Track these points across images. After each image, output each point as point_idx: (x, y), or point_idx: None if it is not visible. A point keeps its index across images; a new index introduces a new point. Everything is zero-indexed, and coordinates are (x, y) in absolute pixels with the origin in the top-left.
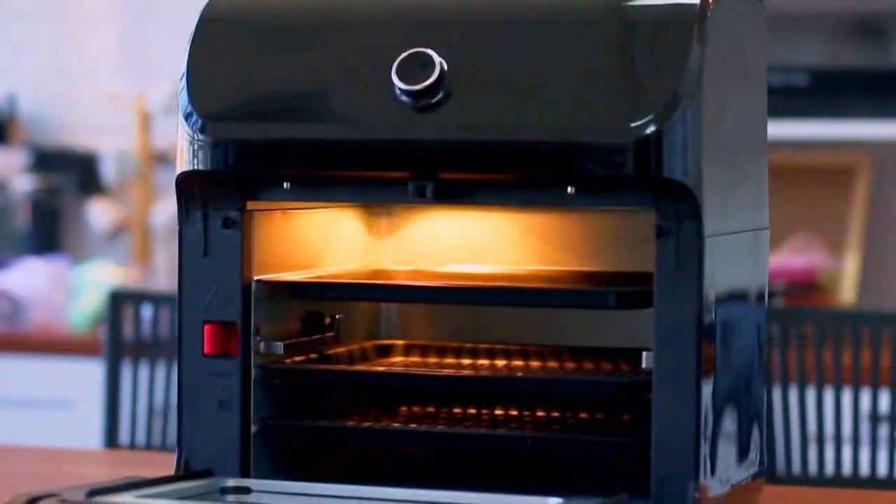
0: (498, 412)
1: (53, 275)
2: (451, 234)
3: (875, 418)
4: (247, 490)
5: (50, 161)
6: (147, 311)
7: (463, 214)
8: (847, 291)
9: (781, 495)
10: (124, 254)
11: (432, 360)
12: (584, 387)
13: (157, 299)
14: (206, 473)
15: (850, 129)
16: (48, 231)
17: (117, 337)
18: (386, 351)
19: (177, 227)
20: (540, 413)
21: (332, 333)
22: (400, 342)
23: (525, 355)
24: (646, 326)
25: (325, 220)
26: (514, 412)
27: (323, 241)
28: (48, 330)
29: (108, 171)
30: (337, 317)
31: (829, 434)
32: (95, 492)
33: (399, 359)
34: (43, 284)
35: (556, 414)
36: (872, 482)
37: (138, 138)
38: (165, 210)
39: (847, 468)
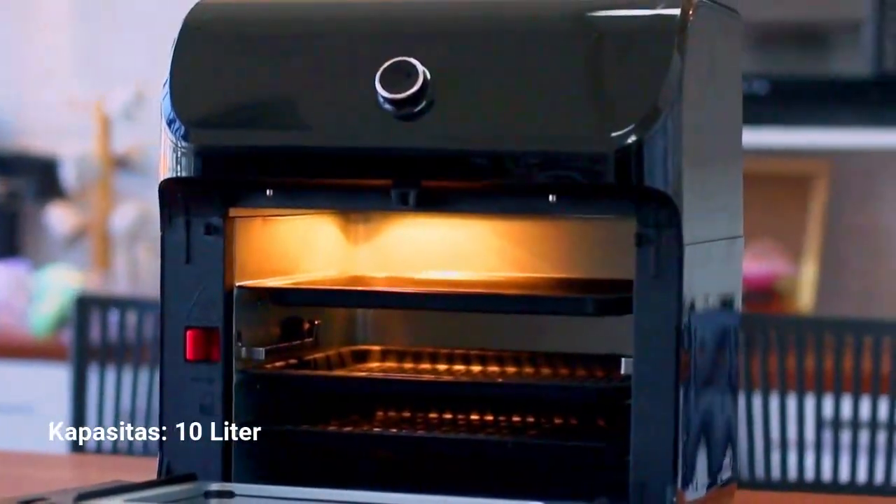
0: (473, 417)
1: (14, 279)
2: (428, 240)
3: (837, 424)
4: (230, 494)
5: (9, 165)
6: (114, 316)
7: (439, 221)
8: (805, 298)
9: (751, 500)
10: (84, 258)
11: (408, 365)
12: (563, 392)
13: (123, 304)
14: (189, 477)
15: (809, 138)
16: (8, 235)
17: (84, 342)
18: (362, 356)
19: (135, 232)
20: (515, 418)
21: (311, 339)
22: (376, 348)
23: (500, 361)
24: (618, 333)
25: (303, 227)
26: (490, 417)
27: (301, 247)
28: (9, 335)
29: (68, 175)
30: (316, 322)
31: (791, 440)
32: (84, 496)
33: (375, 364)
34: (3, 289)
35: (531, 419)
36: (835, 487)
37: (98, 143)
38: (125, 215)
39: (810, 474)
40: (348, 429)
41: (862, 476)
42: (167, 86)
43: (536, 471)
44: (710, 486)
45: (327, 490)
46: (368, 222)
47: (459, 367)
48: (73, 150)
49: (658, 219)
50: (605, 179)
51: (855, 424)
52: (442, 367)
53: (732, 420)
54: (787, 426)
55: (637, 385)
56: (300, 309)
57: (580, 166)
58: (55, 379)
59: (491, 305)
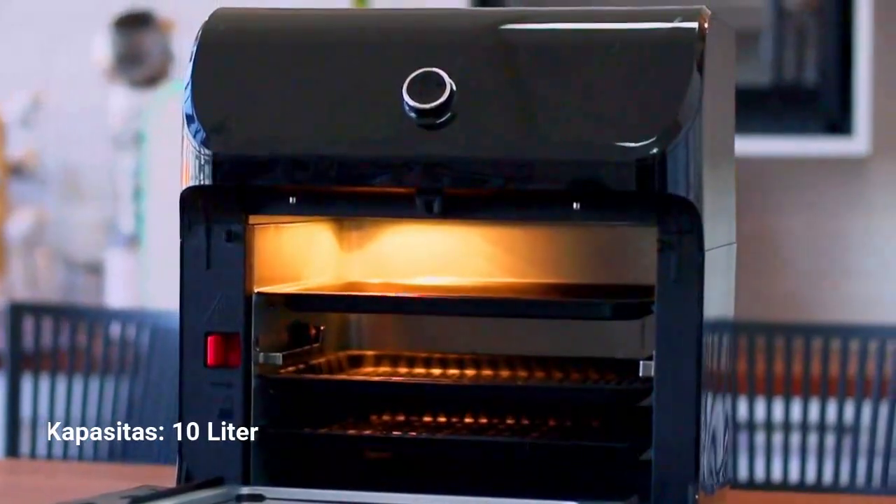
0: (468, 420)
1: None
2: (418, 247)
3: (805, 427)
4: (260, 497)
5: None
6: (46, 323)
7: (430, 229)
8: None
9: (742, 500)
10: None
11: (402, 369)
12: (581, 395)
13: (56, 311)
14: (216, 482)
15: None
16: None
17: (18, 349)
18: (357, 361)
19: (31, 239)
20: (509, 420)
21: (317, 344)
22: (370, 353)
23: (493, 364)
24: (605, 337)
25: (304, 234)
26: (484, 420)
27: (302, 254)
28: None
29: None
30: (321, 328)
31: (759, 443)
32: (137, 500)
33: (370, 369)
34: None
35: (525, 422)
36: (801, 487)
37: None
38: (21, 221)
39: (777, 474)
40: (368, 432)
41: (811, 476)
42: (188, 91)
43: (545, 472)
44: (717, 484)
45: (354, 492)
46: (361, 229)
47: (453, 372)
48: None
49: (679, 225)
50: (630, 187)
51: (822, 427)
52: (436, 371)
53: (730, 422)
54: (755, 429)
55: (659, 386)
56: (307, 315)
57: (606, 175)
58: None
59: (512, 310)
